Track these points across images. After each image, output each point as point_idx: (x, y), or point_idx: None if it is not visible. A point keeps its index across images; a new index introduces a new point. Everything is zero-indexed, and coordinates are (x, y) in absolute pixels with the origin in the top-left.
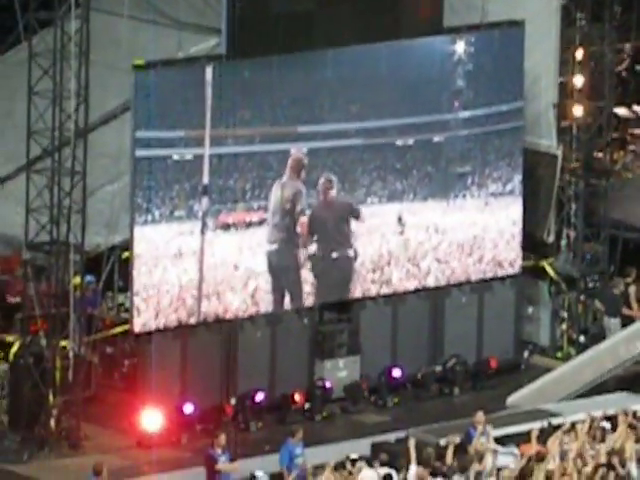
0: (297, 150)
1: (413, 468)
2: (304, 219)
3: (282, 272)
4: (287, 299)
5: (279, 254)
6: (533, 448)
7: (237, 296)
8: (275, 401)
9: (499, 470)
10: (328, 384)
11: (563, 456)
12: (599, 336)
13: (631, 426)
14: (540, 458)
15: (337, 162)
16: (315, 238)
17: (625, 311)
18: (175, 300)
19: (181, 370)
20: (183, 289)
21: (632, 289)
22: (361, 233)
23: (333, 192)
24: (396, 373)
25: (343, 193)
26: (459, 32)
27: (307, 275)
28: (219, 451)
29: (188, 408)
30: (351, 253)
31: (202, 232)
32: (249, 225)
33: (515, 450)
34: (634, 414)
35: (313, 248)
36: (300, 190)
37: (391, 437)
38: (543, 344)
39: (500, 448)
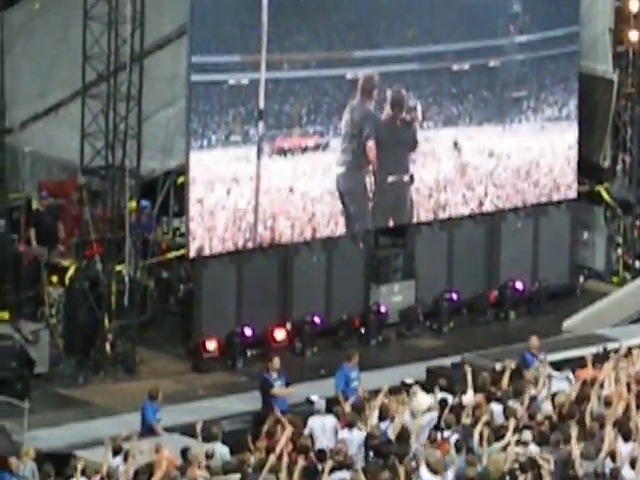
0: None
1: (469, 393)
2: (371, 143)
3: (348, 195)
4: (344, 223)
5: (346, 177)
6: (589, 373)
7: (292, 221)
8: (331, 326)
9: (554, 395)
10: (383, 309)
11: (619, 381)
12: None
13: None
14: (596, 383)
15: (393, 87)
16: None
17: None
18: (231, 225)
19: (237, 295)
20: (239, 214)
21: None
22: (417, 157)
23: (399, 113)
24: (452, 297)
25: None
26: None
27: (368, 198)
28: (274, 375)
29: (243, 332)
30: (406, 178)
31: (258, 157)
32: (305, 150)
33: (570, 375)
34: None
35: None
36: (370, 113)
37: (446, 362)
38: (598, 269)
39: (555, 373)
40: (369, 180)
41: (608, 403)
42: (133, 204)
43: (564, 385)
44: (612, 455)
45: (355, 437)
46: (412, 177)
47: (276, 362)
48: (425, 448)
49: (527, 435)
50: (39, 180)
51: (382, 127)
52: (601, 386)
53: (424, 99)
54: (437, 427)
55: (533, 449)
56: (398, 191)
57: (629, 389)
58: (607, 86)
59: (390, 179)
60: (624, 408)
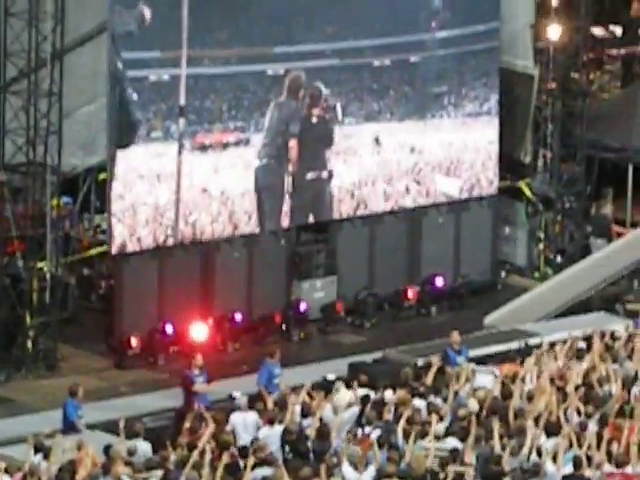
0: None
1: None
2: (294, 142)
3: (266, 191)
4: (266, 220)
5: (266, 173)
6: (511, 368)
7: (214, 217)
8: (252, 322)
9: (476, 390)
10: (305, 305)
11: (540, 376)
12: (575, 256)
13: (607, 346)
14: (518, 378)
15: (313, 83)
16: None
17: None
18: (152, 222)
19: (158, 291)
20: (160, 210)
21: (608, 208)
22: (337, 154)
23: (316, 110)
24: (374, 293)
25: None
26: None
27: (285, 196)
28: (196, 372)
29: (165, 329)
30: (325, 174)
31: (179, 153)
32: (226, 146)
33: (495, 370)
34: (611, 334)
35: (290, 169)
36: (296, 111)
37: (368, 358)
38: (520, 264)
39: (480, 368)
40: (288, 177)
41: (530, 398)
42: (54, 201)
43: (489, 380)
44: (537, 450)
45: (277, 433)
46: (331, 173)
47: (198, 359)
48: (346, 444)
49: (447, 430)
50: None
51: (303, 124)
52: (523, 381)
53: (345, 95)
54: (359, 423)
55: (455, 445)
56: (317, 188)
57: (552, 384)
58: (528, 82)
59: (309, 176)
60: (546, 403)
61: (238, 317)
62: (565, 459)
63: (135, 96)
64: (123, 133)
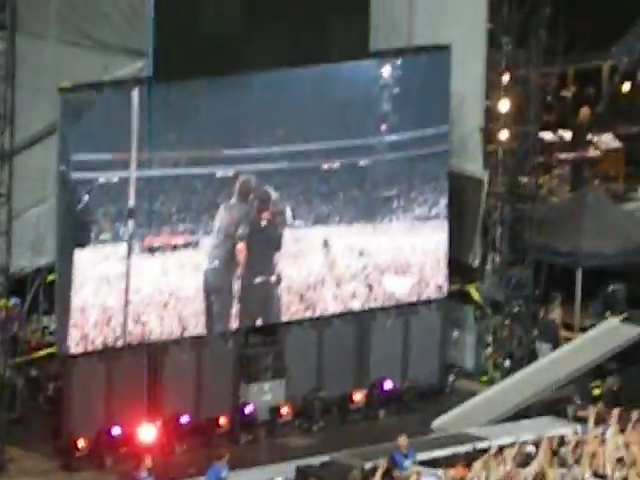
0: (246, 173)
1: None
2: (242, 245)
3: (215, 294)
4: (214, 322)
5: (215, 275)
6: (459, 472)
7: (162, 319)
8: (200, 424)
9: None
10: (253, 407)
11: None
12: (524, 360)
13: (555, 451)
14: None
15: (263, 186)
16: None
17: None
18: (101, 323)
19: (107, 393)
20: (109, 312)
21: (557, 312)
22: (287, 256)
23: (265, 214)
24: (322, 396)
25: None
26: (385, 56)
27: (233, 299)
28: (144, 474)
29: (112, 431)
30: (273, 278)
31: (128, 255)
32: (175, 248)
33: (439, 472)
34: (559, 439)
35: (238, 272)
36: (245, 214)
37: (316, 461)
38: (468, 368)
39: (424, 469)
40: (236, 280)
41: None
42: (2, 302)
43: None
44: None
45: None
46: (279, 277)
47: (147, 461)
48: None
49: None
50: None
51: (252, 228)
52: None
53: (294, 198)
54: None
55: None
56: (266, 291)
57: None
58: (477, 185)
59: (257, 279)
60: None
61: (186, 419)
62: None
63: (85, 198)
64: (72, 235)
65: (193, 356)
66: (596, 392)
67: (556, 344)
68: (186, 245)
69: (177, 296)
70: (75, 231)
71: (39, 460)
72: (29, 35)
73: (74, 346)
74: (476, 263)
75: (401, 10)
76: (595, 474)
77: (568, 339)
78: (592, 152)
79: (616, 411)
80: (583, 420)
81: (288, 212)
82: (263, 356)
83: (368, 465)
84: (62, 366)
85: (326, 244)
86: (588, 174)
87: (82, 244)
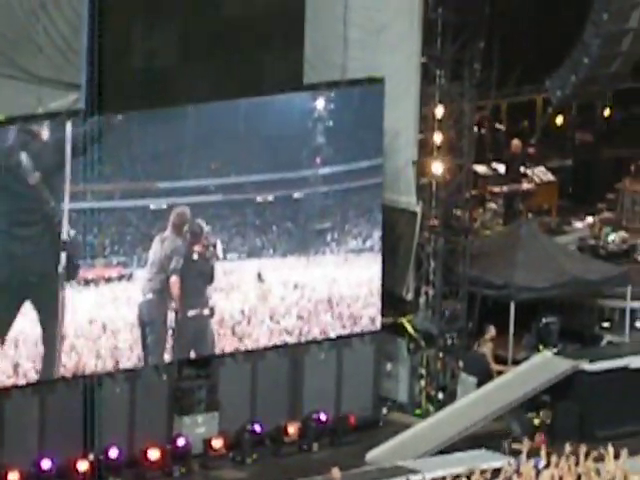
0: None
1: None
2: (175, 278)
3: (149, 326)
4: (149, 354)
5: (149, 308)
6: None
7: (97, 352)
8: (134, 457)
9: None
10: (186, 440)
11: None
12: (457, 393)
13: None
14: None
15: (196, 218)
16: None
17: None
18: (34, 355)
19: (39, 426)
20: (42, 344)
21: (489, 346)
22: (220, 289)
23: (197, 247)
24: (255, 429)
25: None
26: (319, 89)
27: (167, 331)
28: None
29: (45, 464)
30: (206, 311)
31: (61, 287)
32: (108, 281)
33: None
34: (492, 471)
35: (172, 305)
36: (179, 247)
37: None
38: (402, 401)
39: None
40: (170, 313)
41: None
42: None
43: None
44: None
45: None
46: (212, 310)
47: None
48: None
49: None
50: None
51: (185, 260)
52: None
53: (227, 230)
54: None
55: None
56: (199, 324)
57: None
58: (410, 218)
59: (191, 312)
60: None
61: (115, 453)
62: None
63: None
64: None
65: (127, 388)
66: (536, 422)
67: (484, 377)
68: (120, 278)
69: (111, 328)
70: None
71: None
72: None
73: (6, 379)
74: (410, 296)
75: (335, 43)
76: None
77: (500, 372)
78: (525, 185)
79: (544, 445)
80: (517, 453)
81: (219, 245)
82: (197, 389)
83: None
84: None
85: (260, 277)
86: (521, 207)
87: None
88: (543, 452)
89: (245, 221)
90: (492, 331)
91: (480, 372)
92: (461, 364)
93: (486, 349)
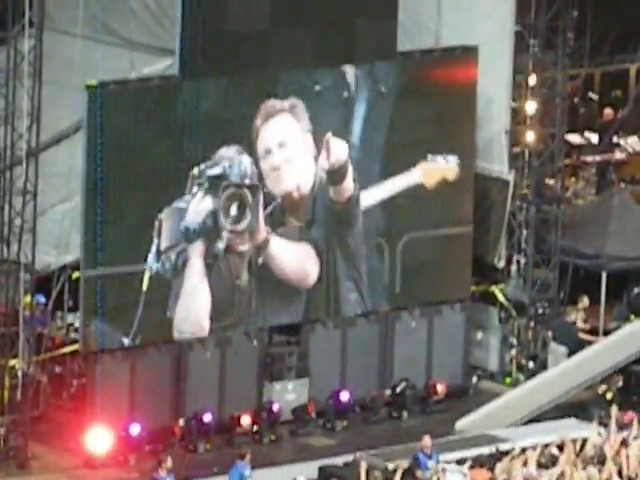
0: None
1: None
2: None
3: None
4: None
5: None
6: (482, 474)
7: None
8: (223, 423)
9: None
10: (276, 406)
11: None
12: (547, 362)
13: (577, 453)
14: None
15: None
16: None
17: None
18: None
19: (129, 390)
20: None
21: (581, 315)
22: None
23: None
24: (344, 397)
25: None
26: (412, 57)
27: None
28: (163, 474)
29: (136, 429)
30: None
31: None
32: None
33: (465, 469)
34: (583, 441)
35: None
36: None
37: (339, 461)
38: (492, 369)
39: (450, 467)
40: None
41: None
42: (27, 299)
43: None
44: None
45: None
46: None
47: (168, 460)
48: None
49: None
50: None
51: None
52: None
53: None
54: None
55: None
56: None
57: None
58: (503, 187)
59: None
60: None
61: (208, 417)
62: None
63: None
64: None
65: (217, 354)
66: (608, 396)
67: (574, 346)
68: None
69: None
70: None
71: (62, 457)
72: (57, 32)
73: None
74: (501, 264)
75: (429, 11)
76: (619, 476)
77: (589, 342)
78: (618, 154)
79: (634, 414)
80: (606, 423)
81: None
82: (287, 355)
83: (391, 466)
84: (85, 363)
85: None
86: (614, 177)
87: None
88: (634, 424)
89: None
90: (585, 301)
91: (570, 341)
92: (550, 334)
93: (578, 318)
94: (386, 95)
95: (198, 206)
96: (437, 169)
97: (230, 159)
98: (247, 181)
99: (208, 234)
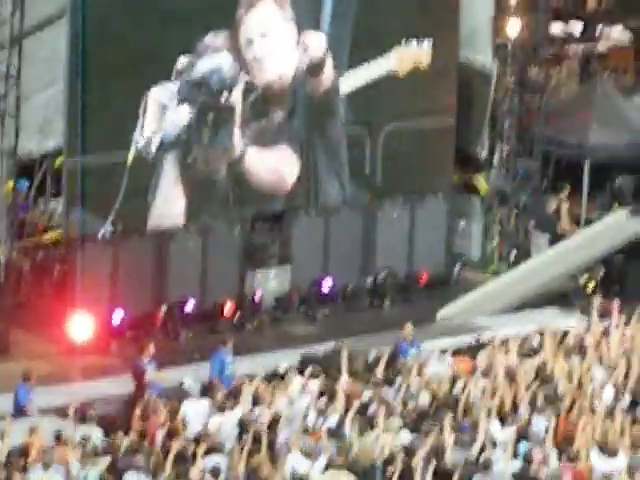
0: None
1: (343, 379)
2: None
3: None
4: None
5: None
6: (464, 361)
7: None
8: (205, 310)
9: (428, 382)
10: (258, 294)
11: (490, 371)
12: (529, 252)
13: (559, 342)
14: (470, 372)
15: None
16: None
17: (560, 227)
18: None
19: (112, 277)
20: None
21: (564, 206)
22: None
23: None
24: (326, 285)
25: None
26: None
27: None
28: (146, 360)
29: (118, 315)
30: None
31: None
32: None
33: (449, 359)
34: (565, 330)
35: None
36: None
37: (321, 348)
38: (474, 258)
39: (434, 354)
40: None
41: (482, 392)
42: (10, 184)
43: (443, 367)
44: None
45: (229, 421)
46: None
47: (150, 347)
48: (298, 434)
49: (396, 423)
50: None
51: None
52: (474, 375)
53: None
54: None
55: (405, 437)
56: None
57: (504, 378)
58: (486, 77)
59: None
60: (500, 397)
61: (191, 305)
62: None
63: None
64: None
65: (199, 242)
66: (590, 286)
67: (554, 235)
68: None
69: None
70: None
71: (43, 343)
72: None
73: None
74: (484, 154)
75: None
76: (600, 365)
77: (569, 231)
78: (602, 45)
79: (616, 304)
80: (588, 312)
81: None
82: (269, 243)
83: (373, 353)
84: (68, 250)
85: None
86: (597, 67)
87: None
88: (615, 314)
89: None
90: (567, 189)
91: (551, 231)
92: (532, 223)
93: (563, 207)
94: None
95: (175, 116)
96: (410, 54)
97: (212, 61)
98: (223, 97)
99: (182, 147)
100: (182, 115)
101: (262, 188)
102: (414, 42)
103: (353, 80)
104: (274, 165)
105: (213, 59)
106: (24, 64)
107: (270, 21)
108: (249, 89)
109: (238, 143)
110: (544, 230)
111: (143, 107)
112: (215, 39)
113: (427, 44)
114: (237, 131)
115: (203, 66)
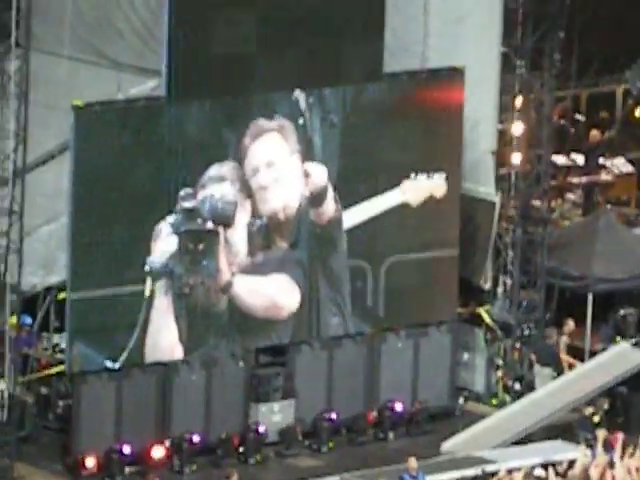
0: None
1: None
2: None
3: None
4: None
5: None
6: None
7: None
8: (210, 444)
9: None
10: (262, 428)
11: None
12: (533, 384)
13: (563, 475)
14: None
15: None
16: None
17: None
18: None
19: (116, 412)
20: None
21: (563, 339)
22: None
23: None
24: (331, 417)
25: None
26: (398, 77)
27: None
28: None
29: (122, 450)
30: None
31: None
32: None
33: None
34: (569, 463)
35: None
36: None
37: None
38: (478, 391)
39: None
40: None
41: None
42: (13, 320)
43: None
44: None
45: None
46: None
47: None
48: None
49: None
50: None
51: None
52: None
53: None
54: None
55: None
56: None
57: None
58: (489, 208)
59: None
60: None
61: (195, 439)
62: None
63: None
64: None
65: (203, 376)
66: (595, 418)
67: (556, 368)
68: None
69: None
70: None
71: (48, 478)
72: (43, 53)
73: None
74: (487, 286)
75: (415, 33)
76: None
77: (571, 365)
78: (604, 176)
79: (620, 435)
80: (592, 445)
81: None
82: (273, 376)
83: None
84: (72, 384)
85: None
86: (600, 198)
87: None
88: (619, 445)
89: None
90: (570, 324)
91: (553, 363)
92: (534, 356)
93: (562, 341)
94: (337, 125)
95: (164, 245)
96: (423, 186)
97: (211, 189)
98: (209, 224)
99: (170, 276)
100: (171, 244)
101: (255, 316)
102: (423, 176)
103: (360, 214)
104: (268, 293)
105: (213, 188)
106: (27, 199)
107: (276, 151)
108: (254, 218)
109: (226, 269)
110: (547, 362)
111: (154, 238)
112: (220, 169)
113: (439, 176)
114: (223, 258)
115: (200, 195)
